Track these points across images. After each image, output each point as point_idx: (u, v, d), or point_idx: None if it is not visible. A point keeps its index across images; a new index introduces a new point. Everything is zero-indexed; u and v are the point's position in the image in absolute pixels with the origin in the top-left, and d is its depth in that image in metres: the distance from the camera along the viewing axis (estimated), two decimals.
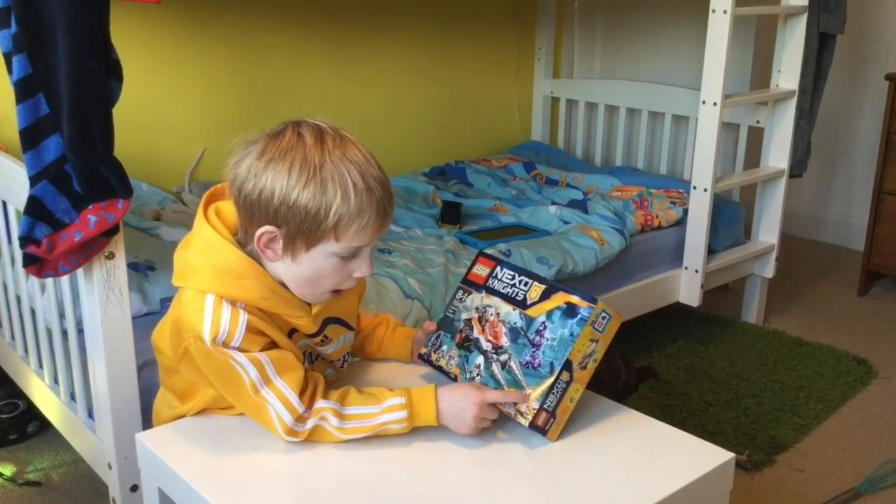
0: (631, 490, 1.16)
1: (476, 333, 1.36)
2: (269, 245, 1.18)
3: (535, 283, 1.33)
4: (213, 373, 1.21)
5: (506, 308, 1.34)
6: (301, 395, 1.22)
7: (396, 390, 1.25)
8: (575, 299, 1.27)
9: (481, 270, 1.41)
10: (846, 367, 2.64)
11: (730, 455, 1.24)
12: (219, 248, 1.20)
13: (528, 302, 1.32)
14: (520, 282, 1.35)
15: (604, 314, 1.26)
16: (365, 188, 1.15)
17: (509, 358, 1.30)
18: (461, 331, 1.39)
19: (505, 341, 1.31)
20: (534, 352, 1.27)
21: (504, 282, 1.36)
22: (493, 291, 1.37)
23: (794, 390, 2.49)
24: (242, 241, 1.24)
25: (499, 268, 1.39)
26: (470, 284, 1.42)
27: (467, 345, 1.37)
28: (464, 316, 1.40)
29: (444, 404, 1.23)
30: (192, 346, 1.19)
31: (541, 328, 1.28)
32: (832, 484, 2.07)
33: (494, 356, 1.32)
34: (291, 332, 1.28)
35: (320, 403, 1.22)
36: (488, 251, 1.45)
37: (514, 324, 1.31)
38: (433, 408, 1.23)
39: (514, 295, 1.34)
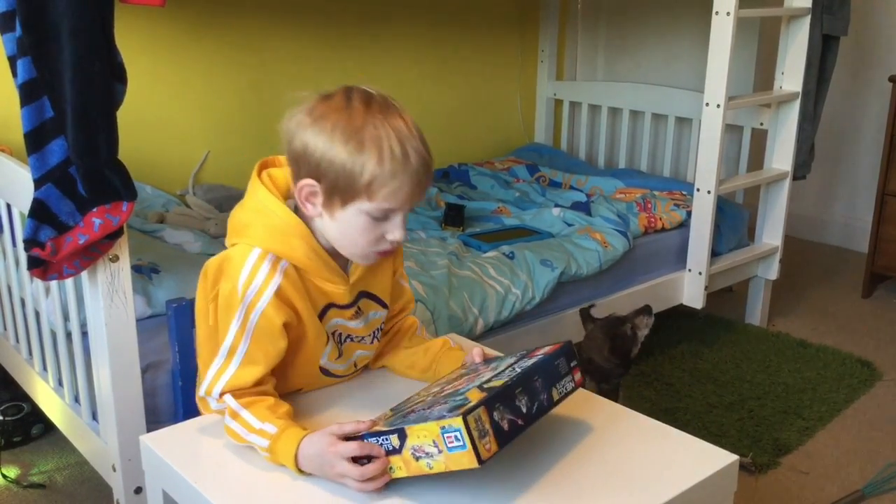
0: (634, 492, 1.16)
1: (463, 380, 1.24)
2: (310, 198, 1.24)
3: (517, 380, 1.14)
4: (219, 319, 1.26)
5: (487, 374, 1.21)
6: (246, 390, 1.24)
7: (285, 420, 1.21)
8: (468, 405, 1.07)
9: (544, 349, 1.27)
10: (850, 370, 2.64)
11: (733, 457, 1.24)
12: (271, 207, 1.27)
13: (486, 383, 1.16)
14: (519, 368, 1.18)
15: (458, 437, 1.04)
16: (402, 154, 1.19)
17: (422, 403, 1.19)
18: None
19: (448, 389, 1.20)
20: (426, 409, 1.14)
21: (529, 361, 1.22)
22: (522, 360, 1.24)
23: (798, 392, 2.49)
24: (295, 199, 1.29)
25: (559, 357, 1.23)
26: (531, 352, 1.28)
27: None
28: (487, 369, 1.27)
29: (303, 450, 1.16)
30: (222, 289, 1.25)
31: (449, 394, 1.17)
32: (836, 486, 2.07)
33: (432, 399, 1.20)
34: (326, 310, 1.31)
35: (230, 401, 1.23)
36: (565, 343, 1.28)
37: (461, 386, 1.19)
38: (292, 452, 1.17)
39: (501, 372, 1.19)
